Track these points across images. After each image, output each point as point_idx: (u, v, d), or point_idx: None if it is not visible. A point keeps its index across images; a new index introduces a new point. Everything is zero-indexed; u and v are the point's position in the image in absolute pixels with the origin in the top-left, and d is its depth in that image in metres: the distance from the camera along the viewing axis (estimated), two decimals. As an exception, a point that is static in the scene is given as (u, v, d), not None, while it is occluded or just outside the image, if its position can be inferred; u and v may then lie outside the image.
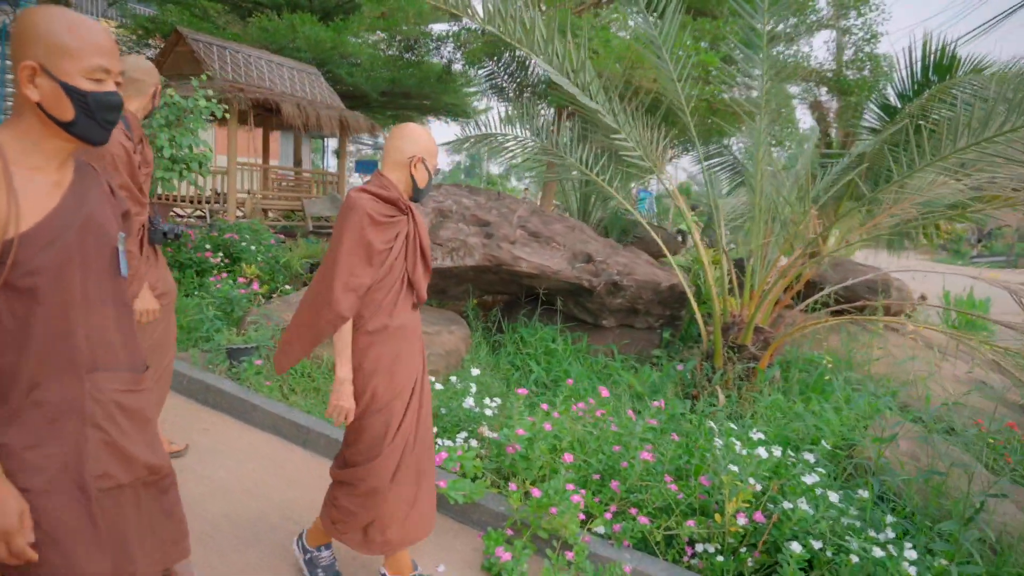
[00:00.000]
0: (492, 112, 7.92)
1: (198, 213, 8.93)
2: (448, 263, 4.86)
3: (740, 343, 4.47)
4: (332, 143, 26.11)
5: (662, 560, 2.79)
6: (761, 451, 2.90)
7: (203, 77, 6.13)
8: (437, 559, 2.78)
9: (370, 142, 26.37)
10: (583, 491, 2.94)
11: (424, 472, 2.28)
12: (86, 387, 1.41)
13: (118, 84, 1.40)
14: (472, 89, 13.56)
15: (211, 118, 5.04)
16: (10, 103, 7.45)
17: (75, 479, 1.37)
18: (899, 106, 5.49)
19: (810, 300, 5.05)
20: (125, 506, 1.49)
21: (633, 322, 5.55)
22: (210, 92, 5.05)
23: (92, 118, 1.34)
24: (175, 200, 8.53)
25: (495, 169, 37.72)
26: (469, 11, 3.78)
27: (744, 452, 2.93)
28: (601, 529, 2.90)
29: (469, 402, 3.46)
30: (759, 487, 2.79)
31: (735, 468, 2.78)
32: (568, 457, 3.06)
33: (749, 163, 5.24)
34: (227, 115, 5.65)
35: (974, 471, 3.20)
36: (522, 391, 3.51)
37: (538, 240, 5.26)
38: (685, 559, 2.83)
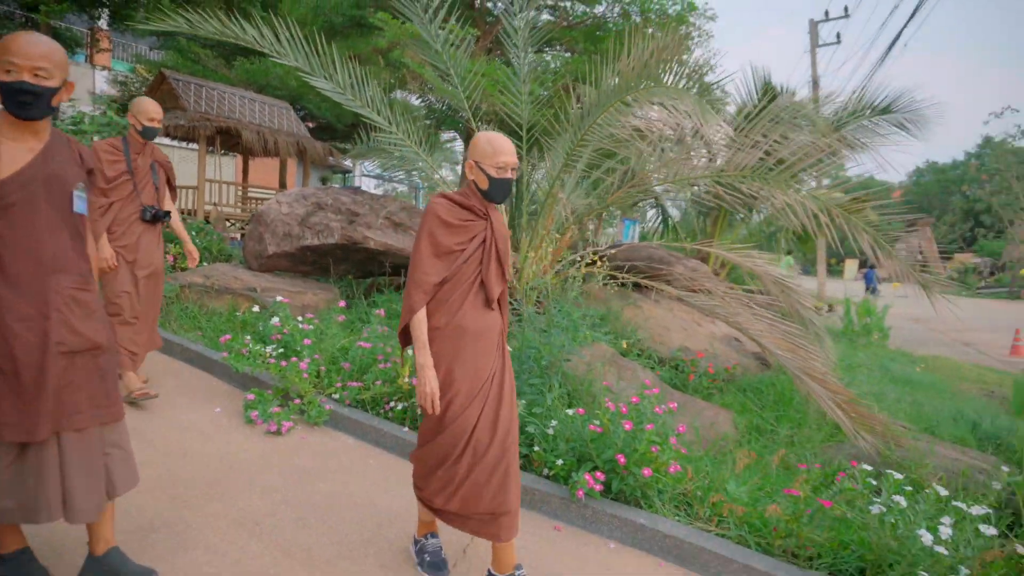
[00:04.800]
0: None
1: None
2: (315, 241, 6.37)
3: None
4: (359, 174, 27.95)
5: (363, 412, 4.20)
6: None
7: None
8: (217, 405, 4.23)
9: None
10: (323, 367, 4.39)
11: (502, 470, 2.39)
12: (50, 283, 2.03)
13: (37, 77, 1.96)
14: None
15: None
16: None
17: (41, 343, 2.00)
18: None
19: (582, 264, 6.36)
20: (72, 366, 2.08)
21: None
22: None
23: (10, 100, 1.97)
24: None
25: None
26: (271, 46, 4.99)
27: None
28: (336, 396, 4.33)
29: (275, 320, 4.89)
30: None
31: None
32: (318, 356, 4.51)
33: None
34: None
35: (636, 371, 4.53)
36: (340, 318, 4.98)
37: (396, 227, 6.74)
38: (382, 410, 4.23)
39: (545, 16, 10.15)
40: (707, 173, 4.60)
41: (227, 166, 15.24)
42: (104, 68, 16.67)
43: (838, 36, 21.58)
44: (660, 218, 11.26)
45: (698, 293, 5.52)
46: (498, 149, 2.38)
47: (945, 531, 2.79)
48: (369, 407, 4.28)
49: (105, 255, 3.84)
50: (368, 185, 29.77)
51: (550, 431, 3.61)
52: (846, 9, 21.18)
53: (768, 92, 8.42)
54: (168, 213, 4.25)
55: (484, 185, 2.41)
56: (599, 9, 9.72)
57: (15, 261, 1.98)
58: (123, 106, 11.37)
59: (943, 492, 3.00)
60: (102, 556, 2.23)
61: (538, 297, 5.81)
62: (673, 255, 6.88)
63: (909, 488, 3.09)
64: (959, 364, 10.73)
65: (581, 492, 3.32)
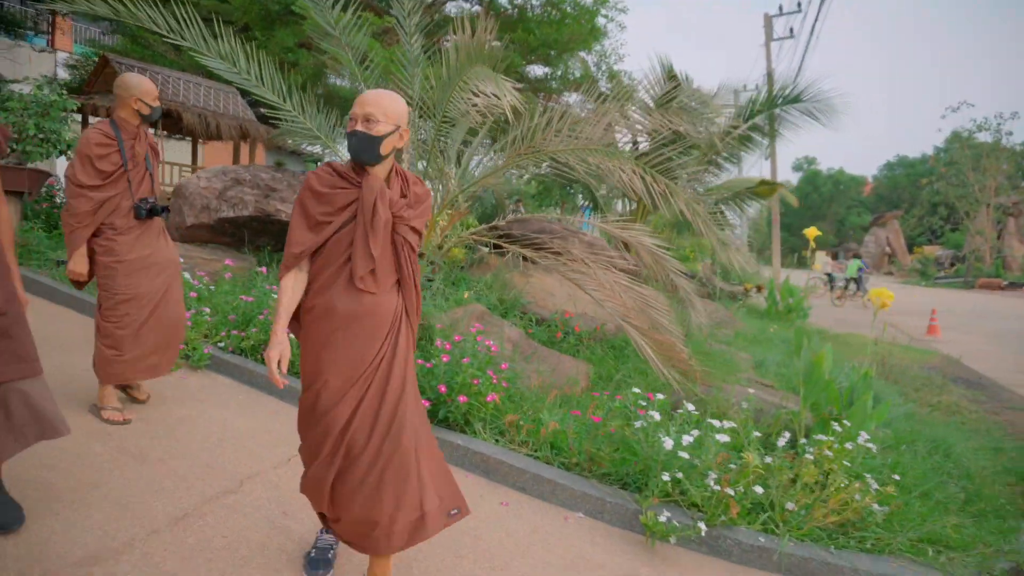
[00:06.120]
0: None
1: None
2: (230, 214, 6.84)
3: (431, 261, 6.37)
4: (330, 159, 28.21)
5: (242, 357, 4.71)
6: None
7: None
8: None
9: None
10: (209, 319, 4.90)
11: (375, 476, 2.12)
12: None
13: None
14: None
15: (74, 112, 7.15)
16: None
17: None
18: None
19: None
20: None
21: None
22: (62, 90, 7.22)
23: None
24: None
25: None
26: (165, 27, 5.38)
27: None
28: (221, 344, 4.84)
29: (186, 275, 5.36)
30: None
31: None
32: (207, 309, 5.01)
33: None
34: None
35: (503, 326, 5.08)
36: (228, 276, 5.46)
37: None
38: (259, 356, 4.74)
39: (476, 8, 10.67)
40: (562, 148, 5.12)
41: (183, 149, 15.58)
42: (66, 52, 16.90)
43: (791, 31, 22.24)
44: (591, 201, 11.87)
45: (575, 262, 6.07)
46: (355, 105, 2.13)
47: (687, 439, 3.35)
48: (249, 354, 4.79)
49: (72, 267, 3.45)
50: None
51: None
52: (799, 5, 21.82)
53: (672, 80, 8.96)
54: (167, 208, 3.72)
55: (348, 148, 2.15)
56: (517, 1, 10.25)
57: None
58: (72, 87, 11.70)
59: (692, 410, 3.57)
60: None
61: (431, 264, 6.35)
62: (569, 229, 7.43)
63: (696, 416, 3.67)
64: (868, 341, 11.39)
65: (407, 416, 3.85)
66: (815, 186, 59.04)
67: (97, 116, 10.08)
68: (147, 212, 3.55)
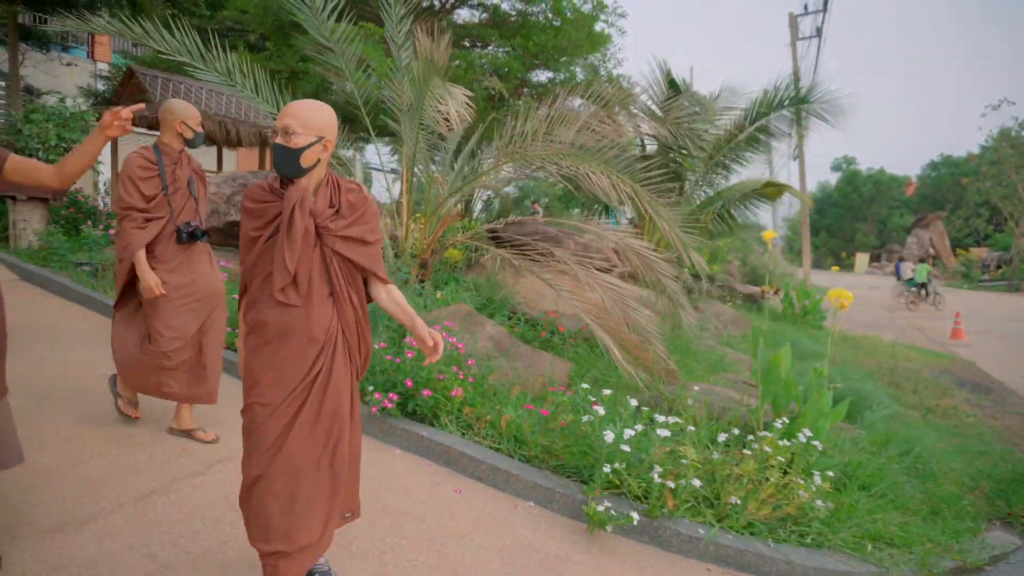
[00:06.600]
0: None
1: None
2: (238, 217, 7.19)
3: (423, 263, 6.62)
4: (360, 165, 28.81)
5: (235, 352, 4.99)
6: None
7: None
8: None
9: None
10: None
11: (317, 489, 2.12)
12: None
13: None
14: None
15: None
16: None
17: None
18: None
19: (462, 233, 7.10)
20: None
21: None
22: (79, 103, 7.68)
23: None
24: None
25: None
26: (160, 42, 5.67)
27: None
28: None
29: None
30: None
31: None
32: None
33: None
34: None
35: (485, 325, 5.29)
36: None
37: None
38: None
39: (483, 15, 10.91)
40: (539, 152, 5.29)
41: (210, 155, 16.18)
42: (105, 63, 17.71)
43: (818, 30, 21.93)
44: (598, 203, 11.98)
45: (559, 264, 6.24)
46: (280, 117, 2.08)
47: (629, 432, 3.51)
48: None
49: (147, 282, 3.38)
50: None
51: (368, 364, 4.39)
52: (825, 3, 21.53)
53: (672, 86, 9.04)
54: (207, 232, 3.66)
55: (272, 160, 2.13)
56: (517, 7, 10.42)
57: None
58: (104, 99, 12.30)
59: (634, 404, 3.72)
60: None
61: (423, 265, 6.59)
62: (564, 232, 7.59)
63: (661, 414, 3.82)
64: (886, 344, 11.26)
65: (375, 408, 4.08)
66: (854, 186, 57.74)
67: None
68: (188, 236, 3.51)
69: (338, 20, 6.31)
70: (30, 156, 7.04)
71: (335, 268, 2.17)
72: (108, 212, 8.48)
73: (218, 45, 6.15)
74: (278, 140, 2.07)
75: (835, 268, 21.95)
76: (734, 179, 11.41)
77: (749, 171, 11.48)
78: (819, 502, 3.49)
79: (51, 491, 2.95)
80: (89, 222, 7.68)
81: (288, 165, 2.08)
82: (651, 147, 11.00)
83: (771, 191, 9.87)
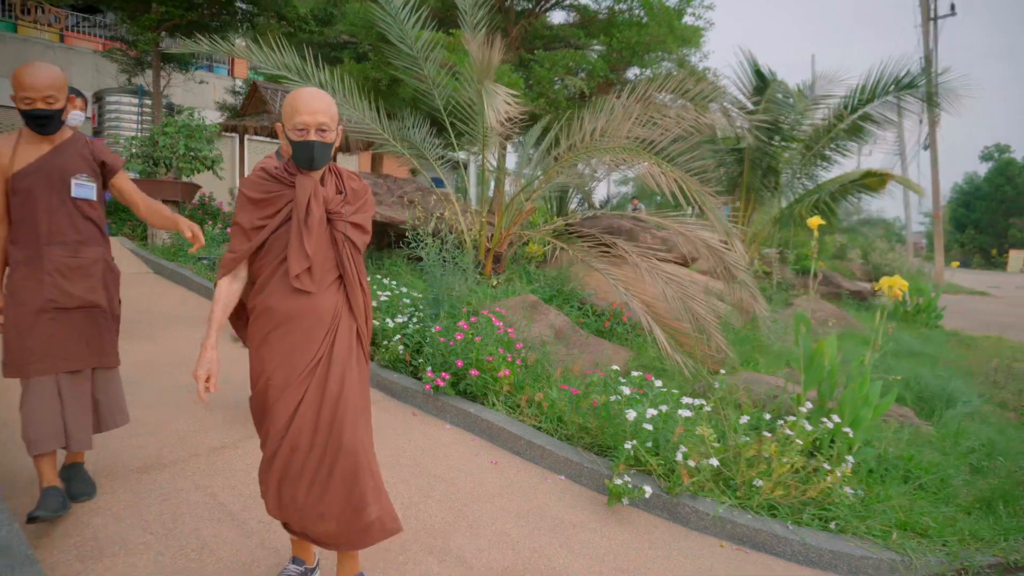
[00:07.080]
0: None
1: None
2: (334, 215, 7.87)
3: (497, 256, 6.97)
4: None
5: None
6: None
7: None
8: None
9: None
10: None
11: (322, 475, 2.14)
12: (43, 252, 2.57)
13: (48, 104, 2.49)
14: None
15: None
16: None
17: (37, 301, 2.56)
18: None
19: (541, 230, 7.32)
20: (64, 321, 2.60)
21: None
22: (203, 116, 8.69)
23: (31, 122, 2.54)
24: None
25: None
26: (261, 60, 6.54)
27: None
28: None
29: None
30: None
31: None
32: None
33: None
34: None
35: (550, 314, 5.58)
36: None
37: (408, 204, 8.09)
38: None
39: (572, 16, 11.09)
40: (595, 148, 5.45)
41: (347, 161, 17.44)
42: (242, 79, 19.51)
43: (952, 7, 20.15)
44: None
45: (622, 257, 6.37)
46: (297, 109, 2.06)
47: (651, 412, 3.64)
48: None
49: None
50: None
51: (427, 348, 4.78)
52: (961, -23, 19.77)
53: (759, 77, 8.82)
54: None
55: (289, 151, 2.15)
56: (606, 4, 10.45)
57: (21, 235, 2.58)
58: (232, 111, 13.66)
59: (658, 385, 3.83)
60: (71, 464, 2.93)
61: (497, 259, 6.93)
62: (639, 225, 7.67)
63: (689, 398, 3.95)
64: (1010, 345, 10.35)
65: (428, 387, 4.45)
66: (1008, 177, 52.16)
67: (247, 134, 11.80)
68: None
69: (422, 28, 6.78)
70: (165, 163, 8.16)
71: (347, 252, 2.21)
72: (229, 212, 9.50)
73: (315, 60, 6.81)
74: (312, 137, 2.07)
75: (955, 264, 20.02)
76: (838, 171, 10.93)
77: (872, 161, 10.92)
78: (848, 489, 3.46)
79: (144, 440, 3.54)
80: (211, 221, 8.66)
81: (325, 159, 2.14)
82: (742, 142, 10.75)
83: (872, 181, 9.38)
